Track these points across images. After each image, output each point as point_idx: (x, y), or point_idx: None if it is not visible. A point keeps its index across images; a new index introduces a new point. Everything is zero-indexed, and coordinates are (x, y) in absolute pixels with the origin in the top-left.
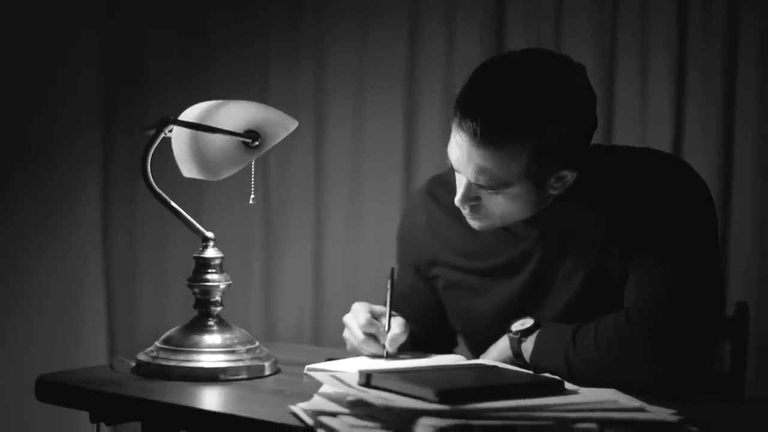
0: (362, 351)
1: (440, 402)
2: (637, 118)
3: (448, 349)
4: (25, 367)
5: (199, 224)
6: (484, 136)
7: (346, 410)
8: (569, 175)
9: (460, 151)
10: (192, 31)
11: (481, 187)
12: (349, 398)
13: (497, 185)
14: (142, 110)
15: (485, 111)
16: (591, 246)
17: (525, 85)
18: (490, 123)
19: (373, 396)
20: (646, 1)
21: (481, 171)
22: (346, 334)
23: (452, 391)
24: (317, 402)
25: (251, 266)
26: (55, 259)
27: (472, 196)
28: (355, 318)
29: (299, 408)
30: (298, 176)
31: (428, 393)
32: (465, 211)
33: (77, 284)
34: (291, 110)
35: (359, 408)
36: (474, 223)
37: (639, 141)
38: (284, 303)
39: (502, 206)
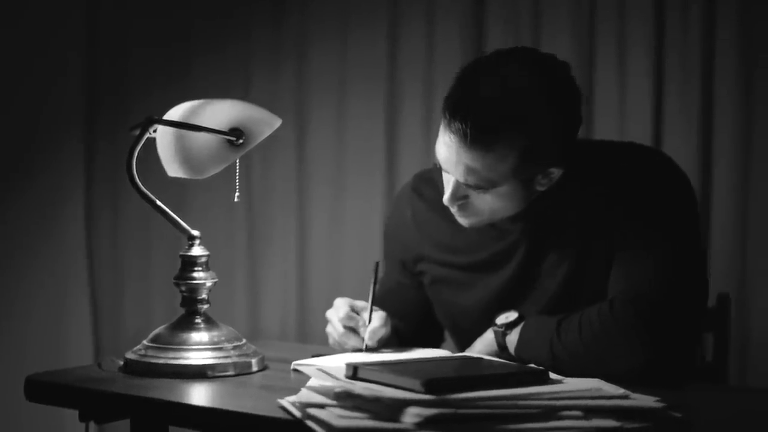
0: (343, 345)
1: (427, 392)
2: (616, 111)
3: (435, 345)
4: (11, 369)
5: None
6: (474, 138)
7: (333, 402)
8: (556, 172)
9: (449, 152)
10: (173, 34)
11: (470, 186)
12: (336, 390)
13: (486, 185)
14: (124, 115)
15: (474, 113)
16: (575, 239)
17: (512, 86)
18: (479, 125)
19: (360, 387)
20: None
21: (470, 171)
22: (328, 329)
23: (439, 380)
24: (305, 395)
25: (235, 265)
26: (40, 263)
27: (460, 195)
28: (336, 312)
29: (287, 401)
30: (281, 176)
31: (415, 384)
32: (453, 210)
33: (62, 287)
34: (273, 111)
35: (346, 400)
36: (463, 221)
37: (619, 135)
38: (269, 302)
39: (490, 204)
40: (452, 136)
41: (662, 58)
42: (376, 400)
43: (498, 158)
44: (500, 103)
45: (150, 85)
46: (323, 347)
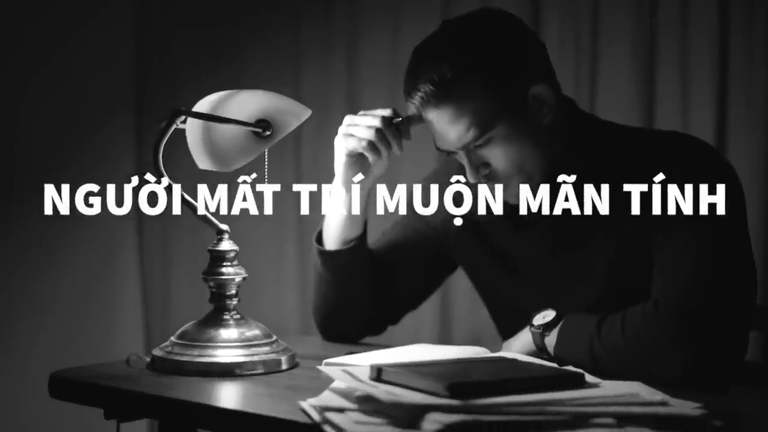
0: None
1: (451, 396)
2: (678, 118)
3: (377, 328)
4: (63, 361)
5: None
6: (438, 93)
7: (354, 406)
8: (544, 93)
9: (438, 129)
10: (223, 22)
11: (479, 145)
12: (358, 393)
13: (485, 130)
14: (173, 102)
15: (423, 75)
16: (615, 231)
17: (444, 36)
18: (432, 79)
19: (381, 391)
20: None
21: (465, 129)
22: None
23: (464, 384)
24: (326, 398)
25: (285, 260)
26: (89, 253)
27: (478, 165)
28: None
29: (308, 404)
30: (331, 169)
31: (439, 387)
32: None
33: (112, 277)
34: (323, 102)
35: (368, 403)
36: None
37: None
38: None
39: (510, 156)
40: (428, 112)
41: (726, 63)
42: (397, 405)
43: (472, 97)
44: (439, 52)
45: (199, 74)
46: (367, 346)
